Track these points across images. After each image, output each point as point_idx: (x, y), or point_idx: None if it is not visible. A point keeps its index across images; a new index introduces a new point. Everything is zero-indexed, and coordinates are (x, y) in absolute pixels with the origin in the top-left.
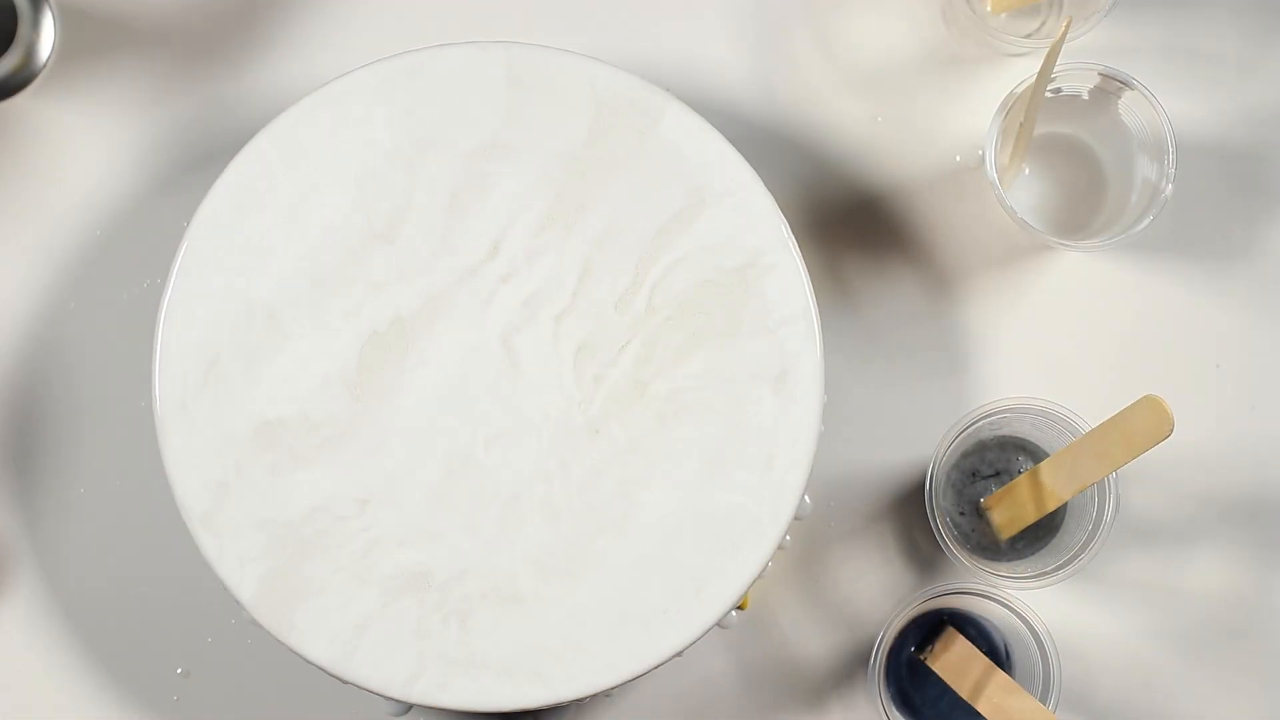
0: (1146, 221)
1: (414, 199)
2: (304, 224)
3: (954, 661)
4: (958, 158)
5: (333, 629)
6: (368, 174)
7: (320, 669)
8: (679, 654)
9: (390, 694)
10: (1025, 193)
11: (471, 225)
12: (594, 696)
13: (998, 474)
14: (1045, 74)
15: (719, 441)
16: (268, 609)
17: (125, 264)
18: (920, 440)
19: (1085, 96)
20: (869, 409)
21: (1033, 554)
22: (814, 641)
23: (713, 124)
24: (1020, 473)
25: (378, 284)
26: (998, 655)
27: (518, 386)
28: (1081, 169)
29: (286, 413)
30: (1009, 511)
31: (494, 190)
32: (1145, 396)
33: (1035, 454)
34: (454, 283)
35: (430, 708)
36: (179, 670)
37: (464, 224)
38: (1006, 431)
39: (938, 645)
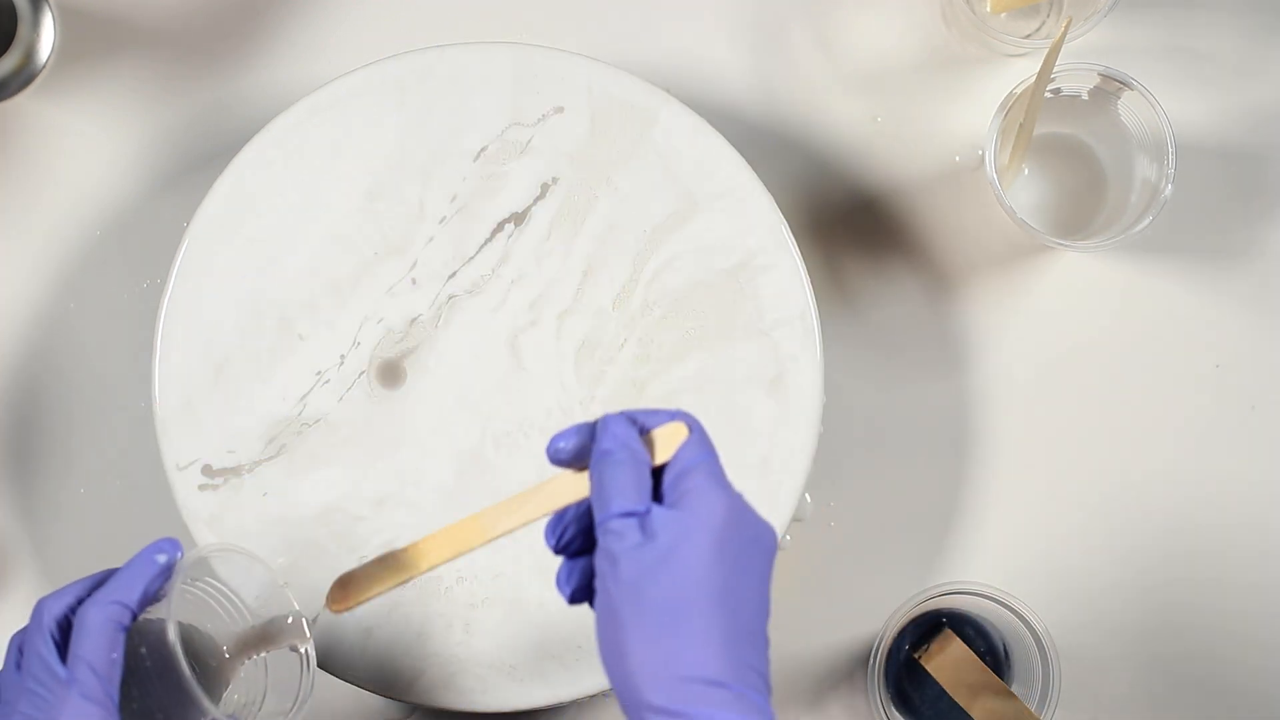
0: (1146, 221)
1: (425, 204)
2: (310, 226)
3: (949, 663)
4: (957, 158)
5: (338, 632)
6: (376, 176)
7: (324, 671)
8: None
9: (393, 694)
10: (1025, 193)
11: (483, 230)
12: (594, 697)
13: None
14: (1045, 74)
15: (716, 443)
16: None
17: (125, 264)
18: (921, 440)
19: (1085, 96)
20: (869, 409)
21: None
22: (814, 641)
23: (712, 124)
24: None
25: (392, 289)
26: (996, 655)
27: (524, 385)
28: (1081, 169)
29: (301, 413)
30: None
31: (503, 192)
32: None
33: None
34: (468, 289)
35: (432, 708)
36: None
37: (476, 229)
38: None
39: (933, 646)
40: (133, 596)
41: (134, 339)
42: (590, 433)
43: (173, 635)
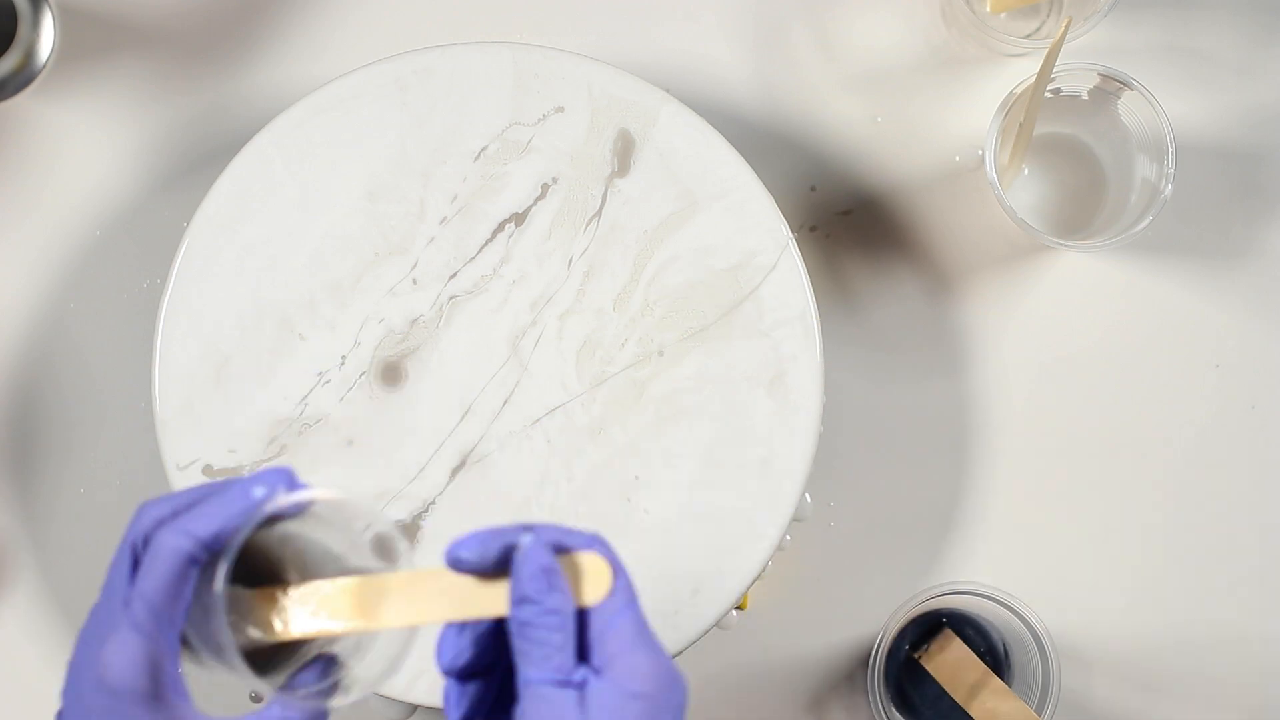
0: (1146, 221)
1: (426, 203)
2: (310, 226)
3: (949, 663)
4: (957, 158)
5: None
6: (376, 176)
7: None
8: (678, 655)
9: (392, 694)
10: (1025, 193)
11: (484, 230)
12: None
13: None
14: (1045, 74)
15: (716, 444)
16: None
17: (125, 264)
18: (921, 440)
19: (1085, 96)
20: (869, 409)
21: None
22: (814, 641)
23: (712, 124)
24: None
25: (393, 289)
26: (996, 656)
27: (525, 386)
28: (1081, 169)
29: (302, 413)
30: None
31: (504, 192)
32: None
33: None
34: (469, 290)
35: (432, 708)
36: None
37: (477, 229)
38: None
39: (933, 645)
40: (208, 530)
41: (134, 339)
42: (499, 546)
43: (219, 585)
